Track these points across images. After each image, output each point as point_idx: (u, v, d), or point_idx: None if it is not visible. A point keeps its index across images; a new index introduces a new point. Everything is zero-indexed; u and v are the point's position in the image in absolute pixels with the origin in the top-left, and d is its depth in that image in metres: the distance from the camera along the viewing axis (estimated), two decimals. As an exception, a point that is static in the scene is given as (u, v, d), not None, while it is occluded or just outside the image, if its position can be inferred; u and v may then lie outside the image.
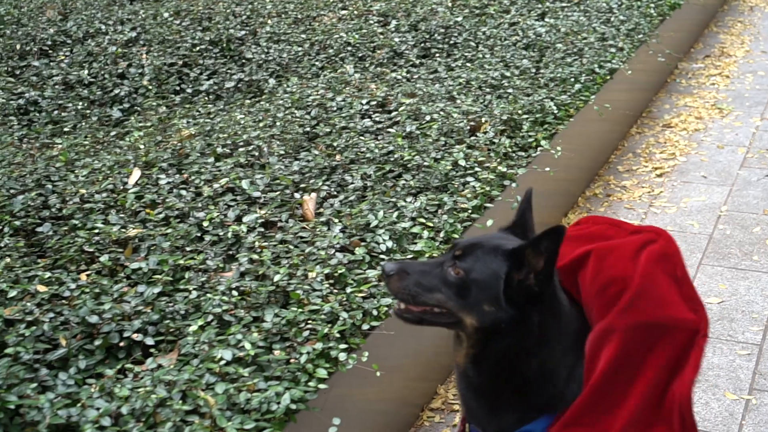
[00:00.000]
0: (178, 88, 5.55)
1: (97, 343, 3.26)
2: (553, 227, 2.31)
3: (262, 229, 3.95)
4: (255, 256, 3.73)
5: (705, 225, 5.70)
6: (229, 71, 5.71)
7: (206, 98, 5.53)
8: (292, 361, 3.26)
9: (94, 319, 3.31)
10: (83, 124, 5.06)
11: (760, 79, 8.23)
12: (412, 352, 3.87)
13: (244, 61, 5.90)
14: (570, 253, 2.59)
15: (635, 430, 2.33)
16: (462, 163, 4.61)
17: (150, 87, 5.39)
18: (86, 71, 5.61)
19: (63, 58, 5.79)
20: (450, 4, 7.07)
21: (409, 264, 2.50)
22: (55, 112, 5.22)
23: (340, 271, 3.69)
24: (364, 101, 5.27)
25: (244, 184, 4.19)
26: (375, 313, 3.57)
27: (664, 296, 2.42)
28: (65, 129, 5.04)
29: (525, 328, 2.40)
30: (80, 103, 5.36)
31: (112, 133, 5.03)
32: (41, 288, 3.47)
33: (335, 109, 5.24)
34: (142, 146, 4.58)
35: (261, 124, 4.96)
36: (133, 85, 5.51)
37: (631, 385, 2.34)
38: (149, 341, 3.31)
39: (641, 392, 2.34)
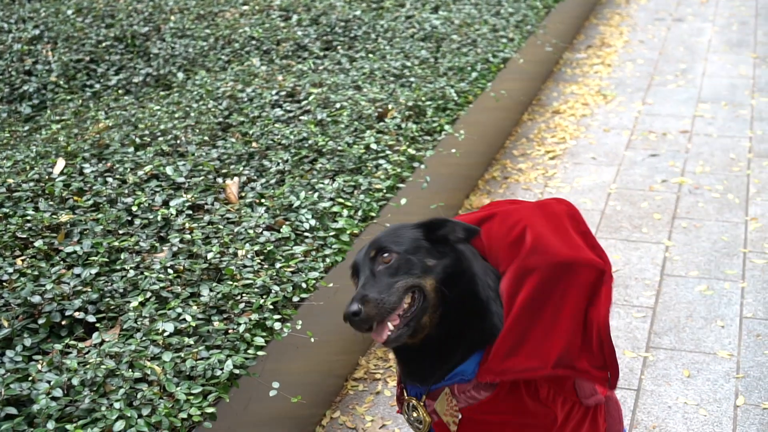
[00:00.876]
0: (86, 83, 5.63)
1: (40, 321, 3.38)
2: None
3: (190, 212, 4.11)
4: (186, 236, 3.89)
5: (597, 202, 6.06)
6: (136, 66, 5.81)
7: (117, 93, 5.63)
8: (230, 331, 3.45)
9: (36, 299, 3.43)
10: (-5, 120, 5.13)
11: (640, 66, 8.68)
12: (336, 327, 4.09)
13: (150, 56, 6.02)
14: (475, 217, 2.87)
15: (569, 357, 2.58)
16: (374, 146, 4.85)
17: (59, 83, 5.46)
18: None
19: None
20: (346, -1, 7.30)
21: (359, 293, 2.53)
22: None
23: (268, 248, 3.88)
24: (273, 92, 5.46)
25: (169, 170, 4.34)
26: (304, 285, 3.78)
27: (570, 241, 2.70)
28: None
29: (464, 262, 2.63)
30: (-12, 101, 5.41)
31: (26, 128, 5.10)
32: (-20, 273, 3.57)
33: (246, 100, 5.41)
34: (61, 138, 4.68)
35: (176, 115, 5.10)
36: (41, 82, 5.57)
37: (556, 318, 2.58)
38: (91, 318, 3.45)
39: (566, 324, 2.58)
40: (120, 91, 5.63)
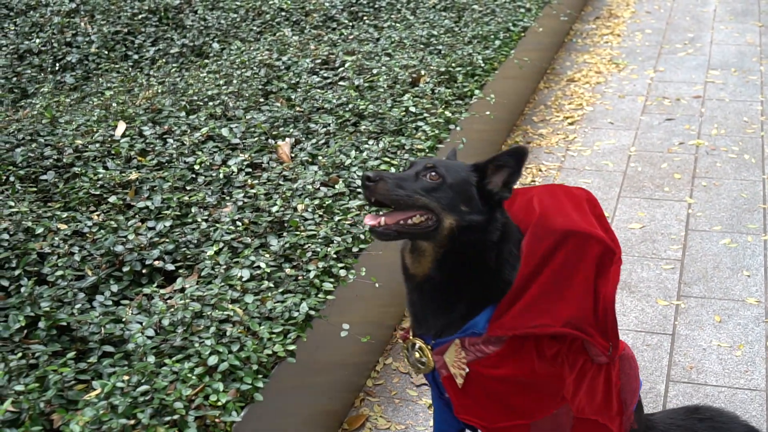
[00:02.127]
0: (126, 54, 5.83)
1: (124, 270, 3.61)
2: (516, 147, 2.75)
3: (249, 170, 4.33)
4: (249, 192, 4.11)
5: (618, 164, 6.29)
6: (172, 38, 6.01)
7: (161, 61, 5.82)
8: (300, 277, 3.67)
9: (119, 248, 3.66)
10: (44, 89, 5.32)
11: (648, 36, 8.91)
12: (388, 278, 4.32)
13: (184, 27, 6.22)
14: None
15: (579, 320, 2.76)
16: (412, 109, 5.07)
17: (101, 54, 5.66)
18: (37, 40, 5.85)
19: (11, 28, 6.01)
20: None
21: (387, 173, 2.71)
22: (14, 79, 5.45)
23: (327, 203, 4.11)
24: (308, 60, 5.67)
25: (224, 131, 4.56)
26: (362, 237, 4.00)
27: (587, 219, 2.89)
28: (28, 94, 5.29)
29: (491, 227, 2.76)
30: (33, 71, 5.59)
31: (74, 96, 5.30)
32: (62, 226, 3.79)
33: (283, 68, 5.62)
34: (114, 104, 4.90)
35: (220, 83, 5.31)
36: (82, 53, 5.77)
37: (569, 282, 2.75)
38: (170, 267, 3.67)
39: (578, 290, 2.76)
40: (163, 60, 5.82)
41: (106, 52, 5.85)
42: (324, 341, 3.71)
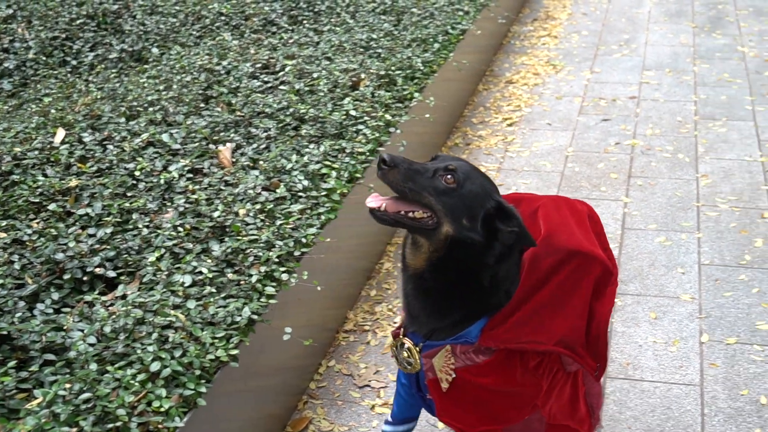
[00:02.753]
0: (64, 59, 5.79)
1: (65, 277, 3.60)
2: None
3: (190, 176, 4.34)
4: (190, 198, 4.12)
5: (556, 164, 6.39)
6: (111, 43, 5.99)
7: (98, 67, 5.80)
8: (242, 282, 3.70)
9: (59, 256, 3.65)
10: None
11: (584, 38, 9.05)
12: (329, 281, 4.36)
13: (123, 32, 6.19)
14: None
15: (573, 339, 2.80)
16: (352, 113, 5.11)
17: (38, 60, 5.62)
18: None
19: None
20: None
21: (405, 160, 2.66)
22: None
23: (268, 207, 4.13)
24: (248, 64, 5.69)
25: (164, 137, 4.57)
26: (303, 240, 4.03)
27: (589, 237, 2.95)
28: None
29: (488, 252, 2.70)
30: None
31: (11, 103, 5.26)
32: (1, 234, 3.77)
33: (223, 72, 5.63)
34: (53, 111, 4.87)
35: (159, 88, 5.31)
36: (20, 59, 5.73)
37: (565, 301, 2.80)
38: (111, 273, 3.67)
39: (574, 309, 2.81)
40: (102, 66, 5.80)
41: (44, 58, 5.81)
42: (267, 345, 3.74)
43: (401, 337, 2.95)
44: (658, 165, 6.31)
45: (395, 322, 4.67)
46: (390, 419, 3.39)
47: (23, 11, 6.28)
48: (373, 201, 2.68)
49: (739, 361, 4.33)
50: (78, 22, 6.25)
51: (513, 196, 3.18)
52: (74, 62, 5.81)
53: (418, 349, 2.90)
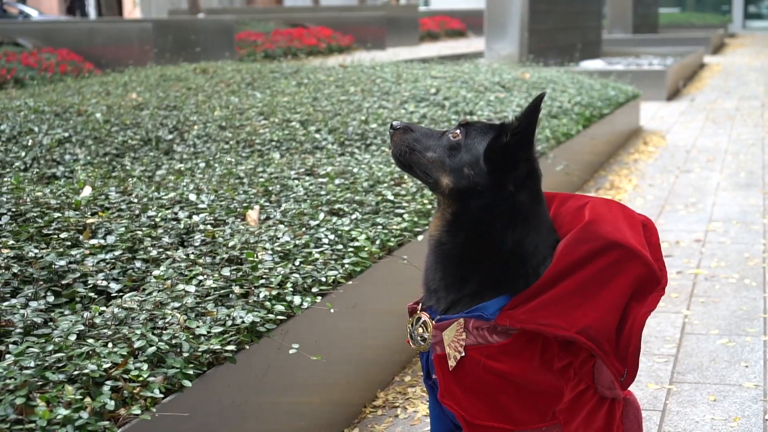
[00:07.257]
0: (112, 173, 5.79)
1: (65, 284, 3.42)
2: (538, 96, 2.60)
3: (212, 222, 4.19)
4: (208, 238, 3.95)
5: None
6: (160, 161, 6.01)
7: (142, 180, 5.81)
8: (250, 302, 3.46)
9: (61, 263, 3.47)
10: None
11: (650, 201, 8.87)
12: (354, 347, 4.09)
13: (173, 153, 6.23)
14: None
15: (598, 333, 2.57)
16: (390, 198, 4.94)
17: (86, 170, 5.64)
18: (24, 154, 5.87)
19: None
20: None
21: (416, 126, 2.71)
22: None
23: (288, 248, 3.93)
24: (292, 172, 5.61)
25: (191, 196, 4.45)
26: (323, 279, 3.80)
27: (639, 238, 2.70)
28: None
29: (500, 195, 2.61)
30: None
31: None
32: (5, 250, 3.63)
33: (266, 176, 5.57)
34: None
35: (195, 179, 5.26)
36: (68, 168, 5.76)
37: (596, 293, 2.57)
38: (114, 286, 3.47)
39: (605, 303, 2.57)
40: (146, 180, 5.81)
41: (92, 169, 5.85)
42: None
43: (418, 312, 2.78)
44: (723, 288, 5.95)
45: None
46: None
47: (78, 135, 6.39)
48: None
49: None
50: (131, 143, 6.32)
51: (562, 195, 2.98)
52: (121, 174, 5.82)
53: (433, 322, 2.71)
